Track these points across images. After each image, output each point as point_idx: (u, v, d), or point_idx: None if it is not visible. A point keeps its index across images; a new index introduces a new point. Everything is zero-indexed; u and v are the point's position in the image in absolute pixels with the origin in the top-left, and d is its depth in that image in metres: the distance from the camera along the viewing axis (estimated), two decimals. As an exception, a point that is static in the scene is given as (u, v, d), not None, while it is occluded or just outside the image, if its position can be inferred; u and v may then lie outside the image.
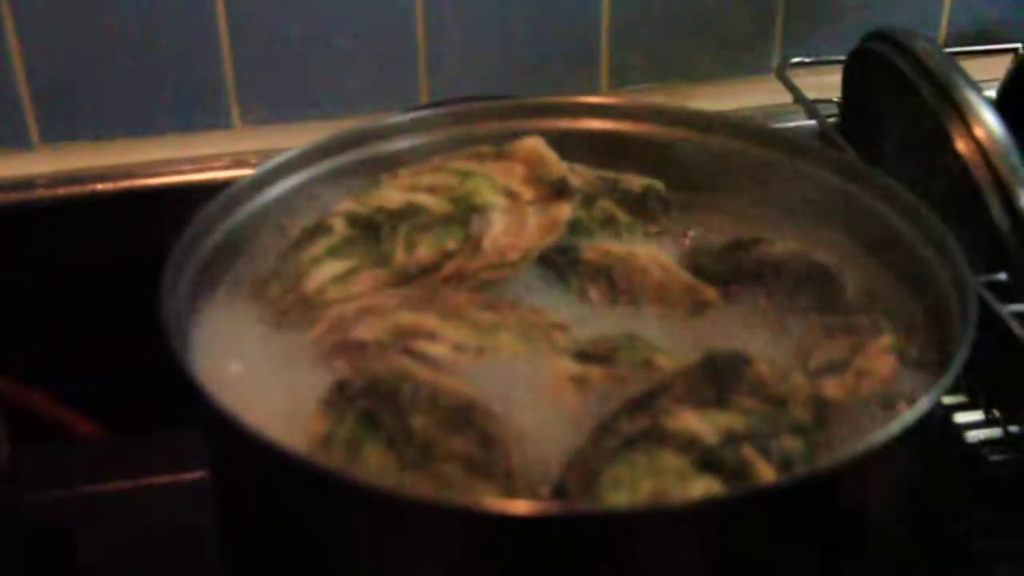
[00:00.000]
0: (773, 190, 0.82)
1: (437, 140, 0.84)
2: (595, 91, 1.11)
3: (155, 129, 1.06)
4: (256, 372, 0.69)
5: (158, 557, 0.81)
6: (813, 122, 0.99)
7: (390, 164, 0.81)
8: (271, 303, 0.74)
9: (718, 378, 0.64)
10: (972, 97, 0.83)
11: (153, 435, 0.91)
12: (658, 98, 0.89)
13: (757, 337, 0.72)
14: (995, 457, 0.87)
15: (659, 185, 0.82)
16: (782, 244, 0.75)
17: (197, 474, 0.84)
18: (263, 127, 1.07)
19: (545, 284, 0.76)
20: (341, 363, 0.69)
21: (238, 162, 1.04)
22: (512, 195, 0.77)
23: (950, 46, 1.00)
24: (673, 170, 0.83)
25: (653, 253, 0.76)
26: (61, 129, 1.04)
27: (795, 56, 1.04)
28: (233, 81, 1.06)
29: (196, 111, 1.06)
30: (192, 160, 1.04)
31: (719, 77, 1.12)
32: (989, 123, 0.81)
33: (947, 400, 0.84)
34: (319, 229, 0.76)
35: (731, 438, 0.61)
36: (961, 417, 0.90)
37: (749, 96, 1.10)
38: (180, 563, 0.80)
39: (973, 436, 0.89)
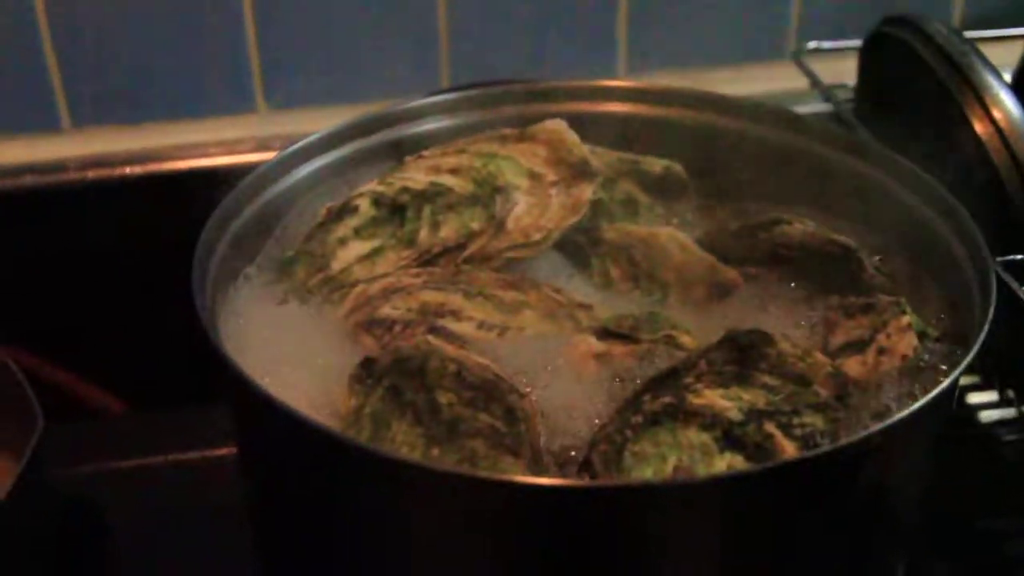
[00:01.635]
0: (791, 172, 0.81)
1: (460, 123, 0.84)
2: (614, 75, 1.10)
3: (183, 113, 1.05)
4: (284, 349, 0.69)
5: (187, 533, 0.81)
6: (829, 106, 0.98)
7: (414, 146, 0.81)
8: (299, 282, 0.73)
9: (740, 356, 0.64)
10: (990, 79, 0.82)
11: (182, 412, 0.91)
12: (676, 82, 0.88)
13: (777, 316, 0.72)
14: (1009, 437, 0.87)
15: (678, 167, 0.82)
16: (800, 225, 0.75)
17: (225, 450, 0.84)
18: (288, 111, 1.07)
19: (567, 264, 0.76)
20: (368, 340, 0.69)
21: (263, 146, 1.03)
22: (535, 176, 0.77)
23: (966, 30, 0.98)
24: (692, 152, 0.83)
25: (673, 234, 0.75)
26: (91, 113, 1.04)
27: (811, 41, 1.04)
28: (258, 66, 1.05)
29: (222, 96, 1.05)
30: (219, 144, 1.04)
31: (736, 62, 1.12)
32: (1007, 105, 0.81)
33: (962, 380, 0.83)
34: (345, 210, 0.75)
35: (754, 415, 0.61)
36: (975, 397, 0.90)
37: (766, 81, 1.10)
38: (210, 538, 0.80)
39: (987, 416, 0.89)
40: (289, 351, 0.68)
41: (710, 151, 0.83)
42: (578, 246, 0.76)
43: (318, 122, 0.83)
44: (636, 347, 0.67)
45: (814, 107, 1.00)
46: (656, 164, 0.82)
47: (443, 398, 0.63)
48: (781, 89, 1.07)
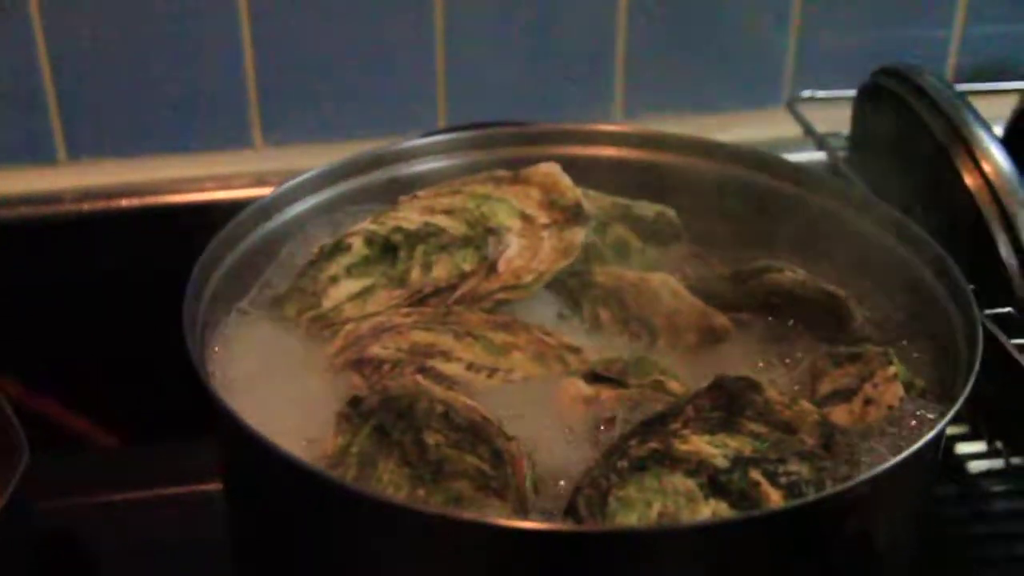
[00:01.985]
0: (782, 220, 0.81)
1: (455, 164, 0.84)
2: (610, 119, 1.11)
3: (179, 147, 1.06)
4: (273, 385, 0.69)
5: (173, 568, 0.81)
6: (823, 154, 0.99)
7: (408, 186, 0.82)
8: (290, 319, 0.74)
9: (728, 403, 0.64)
10: (980, 133, 0.83)
11: (170, 446, 0.91)
12: (671, 127, 0.89)
13: (766, 363, 0.72)
14: (996, 488, 0.87)
15: (671, 212, 0.83)
16: (791, 272, 0.75)
17: (212, 486, 0.84)
18: (285, 147, 1.08)
19: (558, 306, 0.76)
20: (357, 379, 0.69)
21: (260, 181, 1.04)
22: (527, 219, 0.77)
23: (959, 83, 0.99)
24: (685, 198, 0.83)
25: (664, 279, 0.76)
26: (87, 145, 1.05)
27: (806, 90, 1.05)
28: (256, 102, 1.06)
29: (220, 131, 1.06)
30: (215, 178, 1.05)
31: (731, 108, 1.13)
32: (997, 159, 0.81)
33: (950, 431, 0.83)
34: (338, 248, 0.76)
35: (740, 462, 0.61)
36: (964, 448, 0.90)
37: (760, 127, 1.10)
38: (195, 574, 0.79)
39: (976, 467, 0.89)
40: (278, 388, 0.68)
41: (703, 197, 0.83)
42: (569, 289, 0.76)
43: (314, 159, 0.84)
44: (624, 392, 0.67)
45: (808, 155, 1.00)
46: (649, 209, 0.82)
47: (430, 439, 0.63)
48: (775, 136, 1.08)
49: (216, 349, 0.71)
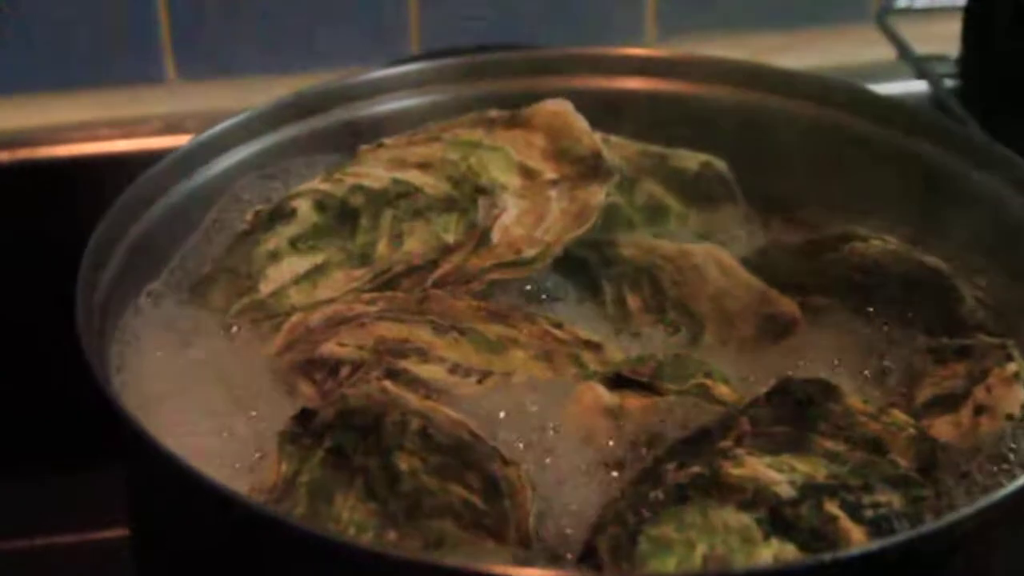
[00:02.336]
0: (870, 173, 0.83)
1: (433, 102, 0.85)
2: (638, 40, 1.12)
3: (66, 83, 1.07)
4: (197, 396, 0.70)
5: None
6: (923, 84, 1.00)
7: (371, 132, 0.83)
8: (217, 308, 0.75)
9: (796, 413, 0.65)
10: None
11: (60, 480, 0.92)
12: (719, 51, 0.90)
13: (847, 362, 0.73)
14: None
15: (720, 163, 0.83)
16: (880, 242, 0.77)
17: (115, 532, 0.85)
18: (205, 83, 1.09)
19: (571, 289, 0.77)
20: (306, 387, 0.71)
21: (172, 127, 1.05)
22: (529, 174, 0.78)
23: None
24: (739, 145, 0.85)
25: (712, 251, 0.77)
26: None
27: (901, -2, 1.06)
28: (167, 23, 1.07)
29: (119, 60, 1.07)
30: (113, 123, 1.06)
31: (801, 24, 1.13)
32: None
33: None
34: (279, 214, 0.77)
35: (811, 491, 0.62)
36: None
37: (840, 49, 1.11)
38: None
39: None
40: (203, 399, 0.70)
41: (763, 143, 0.85)
42: (586, 266, 0.78)
43: (245, 98, 0.85)
44: (658, 400, 0.68)
45: (903, 85, 1.01)
46: (691, 159, 0.83)
47: (403, 464, 0.64)
48: (858, 61, 1.09)
49: (120, 347, 0.72)
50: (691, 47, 1.03)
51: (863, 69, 1.06)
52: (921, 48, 1.02)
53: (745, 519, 0.61)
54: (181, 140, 0.81)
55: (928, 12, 1.05)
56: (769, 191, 0.84)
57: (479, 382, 0.70)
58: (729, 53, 0.90)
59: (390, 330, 0.72)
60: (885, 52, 1.03)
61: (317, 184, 0.78)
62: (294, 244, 0.76)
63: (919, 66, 1.01)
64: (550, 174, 0.78)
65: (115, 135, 1.05)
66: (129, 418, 0.62)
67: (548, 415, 0.69)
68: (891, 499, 0.62)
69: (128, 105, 1.07)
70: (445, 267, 0.76)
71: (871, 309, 0.76)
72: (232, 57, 1.09)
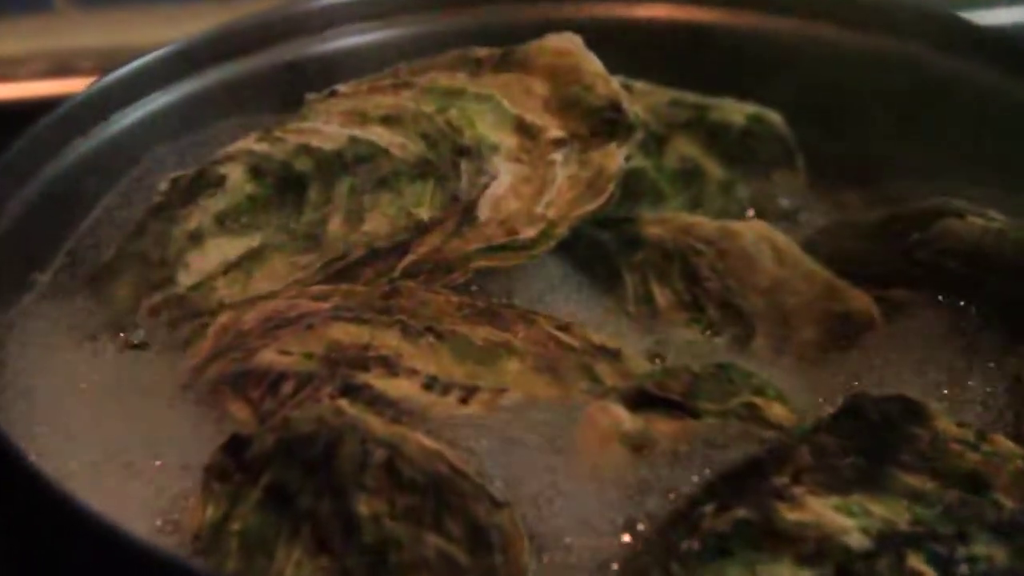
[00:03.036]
0: (967, 128, 0.84)
1: (401, 36, 0.87)
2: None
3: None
4: (97, 420, 0.71)
5: None
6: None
7: (321, 76, 0.84)
8: (122, 306, 0.76)
9: (870, 440, 0.66)
10: None
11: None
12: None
13: (935, 373, 0.74)
14: None
15: (775, 116, 0.85)
16: (980, 220, 0.77)
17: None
18: (104, 10, 1.11)
19: (582, 279, 0.78)
20: (238, 407, 0.71)
21: (62, 66, 1.07)
22: (527, 131, 0.79)
23: None
24: (797, 92, 0.86)
25: (765, 231, 0.77)
26: None
27: None
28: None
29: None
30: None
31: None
32: None
33: None
34: (202, 183, 0.78)
35: (891, 541, 0.62)
36: None
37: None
38: None
39: None
40: (106, 423, 0.70)
41: (827, 90, 0.86)
42: (601, 250, 0.79)
43: (157, 31, 0.86)
44: (693, 424, 0.69)
45: (1005, 12, 1.01)
46: (736, 111, 0.84)
47: (364, 507, 0.64)
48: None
49: (2, 357, 0.73)
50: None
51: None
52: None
53: (805, 576, 0.62)
54: (74, 85, 0.82)
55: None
56: (836, 152, 0.86)
57: (462, 401, 0.71)
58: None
59: (347, 333, 0.72)
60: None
61: (252, 144, 0.79)
62: (222, 222, 0.77)
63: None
64: (554, 131, 0.79)
65: (-11, 77, 1.07)
66: (14, 451, 0.62)
67: (551, 443, 0.69)
68: (993, 552, 0.63)
69: (10, 38, 1.08)
70: (418, 252, 0.76)
71: (968, 306, 0.77)
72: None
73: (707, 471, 0.68)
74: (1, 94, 1.06)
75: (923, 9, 0.86)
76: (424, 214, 0.77)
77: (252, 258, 0.77)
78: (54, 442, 0.69)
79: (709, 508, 0.65)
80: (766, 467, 0.66)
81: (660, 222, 0.79)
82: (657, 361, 0.75)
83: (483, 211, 0.77)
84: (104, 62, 0.83)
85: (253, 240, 0.77)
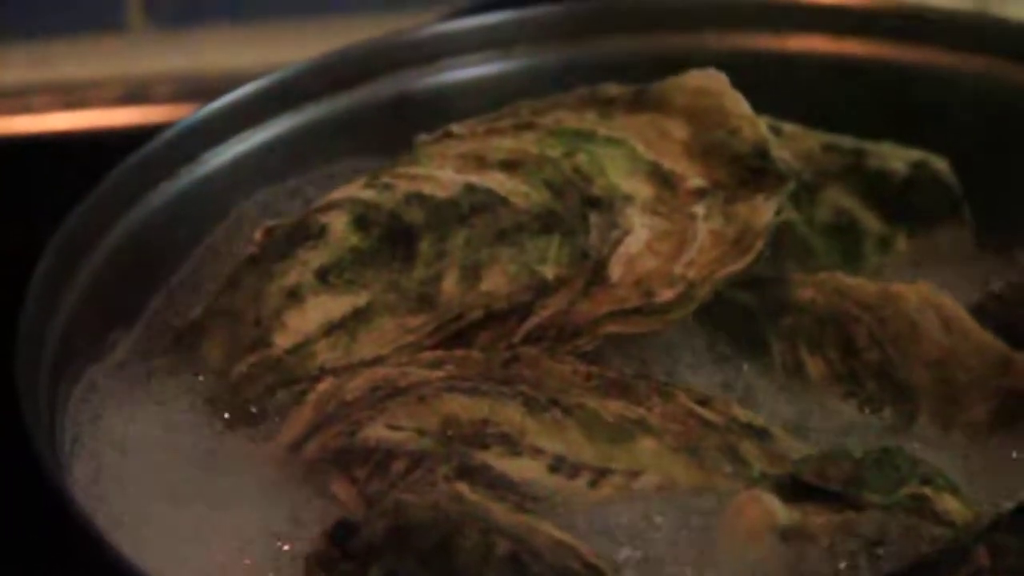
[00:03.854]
0: None
1: (521, 70, 0.87)
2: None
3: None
4: (180, 499, 0.70)
5: None
6: None
7: (432, 113, 0.83)
8: (212, 369, 0.76)
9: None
10: None
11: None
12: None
13: None
14: None
15: (941, 164, 0.83)
16: None
17: None
18: (183, 30, 1.10)
19: (724, 347, 0.78)
20: (343, 489, 0.71)
21: (138, 93, 1.06)
22: (665, 179, 0.78)
23: None
24: (966, 135, 0.85)
25: (931, 295, 0.76)
26: None
27: None
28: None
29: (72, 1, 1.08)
30: (56, 88, 1.07)
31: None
32: None
33: None
34: (301, 234, 0.77)
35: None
36: None
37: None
38: None
39: None
40: (195, 503, 0.70)
41: (1002, 134, 0.85)
42: (746, 313, 0.78)
43: (241, 55, 0.85)
44: (856, 517, 0.67)
45: None
46: (898, 158, 0.83)
47: (486, 603, 0.64)
48: None
49: (78, 426, 0.72)
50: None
51: None
52: None
53: None
54: (150, 114, 0.82)
55: None
56: (1009, 203, 0.85)
57: (592, 484, 0.70)
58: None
59: (463, 406, 0.72)
60: None
61: (357, 191, 0.79)
62: (323, 277, 0.77)
63: None
64: (695, 180, 0.79)
65: (57, 105, 1.06)
66: (95, 535, 0.62)
67: (695, 536, 0.68)
68: None
69: (75, 62, 1.08)
70: (542, 314, 0.76)
71: None
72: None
73: (871, 572, 0.66)
74: (69, 123, 1.06)
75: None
76: (549, 272, 0.77)
77: (357, 318, 0.76)
78: (131, 525, 0.68)
79: (879, 616, 0.64)
80: (940, 569, 0.65)
81: (812, 283, 0.78)
82: (811, 441, 0.74)
83: (615, 270, 0.77)
84: (183, 88, 0.83)
85: (358, 298, 0.77)
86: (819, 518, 0.68)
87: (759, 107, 0.80)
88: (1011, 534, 0.65)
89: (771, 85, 0.84)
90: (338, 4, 1.08)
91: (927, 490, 0.69)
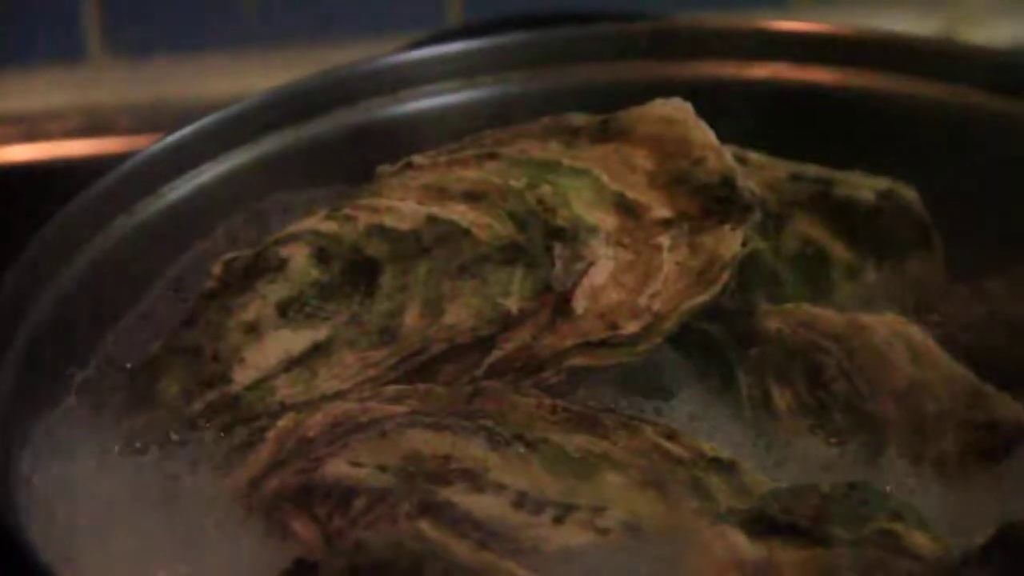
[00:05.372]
0: None
1: (485, 99, 0.86)
2: (782, 8, 1.12)
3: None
4: (139, 538, 0.70)
5: None
6: None
7: (394, 144, 0.83)
8: (169, 405, 0.75)
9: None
10: None
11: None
12: (899, 23, 0.89)
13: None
14: None
15: (910, 192, 0.84)
16: None
17: None
18: (144, 59, 1.10)
19: (690, 380, 0.77)
20: (303, 527, 0.70)
21: (98, 124, 1.06)
22: (630, 210, 0.78)
23: None
24: (935, 164, 0.85)
25: (898, 326, 0.76)
26: None
27: None
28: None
29: (21, 28, 1.08)
30: (15, 118, 1.07)
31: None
32: None
33: None
34: (260, 267, 0.77)
35: None
36: None
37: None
38: None
39: None
40: (151, 542, 0.69)
41: (971, 164, 0.85)
42: (712, 345, 0.78)
43: (203, 84, 0.84)
44: (822, 553, 0.66)
45: None
46: (866, 186, 0.83)
47: (449, 647, 0.63)
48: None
49: (33, 465, 0.72)
50: (859, 22, 1.02)
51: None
52: None
53: None
54: (111, 145, 0.82)
55: None
56: (979, 233, 0.84)
57: (556, 521, 0.69)
58: (914, 28, 0.89)
59: (425, 442, 0.71)
60: None
61: (317, 223, 0.78)
62: (283, 312, 0.76)
63: None
64: (660, 211, 0.78)
65: (17, 137, 1.06)
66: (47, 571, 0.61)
67: (661, 572, 0.68)
68: None
69: (34, 92, 1.08)
70: (505, 347, 0.76)
71: None
72: (185, 25, 1.09)
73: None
74: (29, 154, 1.06)
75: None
76: (513, 305, 0.77)
77: (317, 353, 0.76)
78: (87, 566, 0.68)
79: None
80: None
81: (779, 314, 0.78)
82: (778, 476, 0.74)
83: (580, 302, 0.76)
84: (144, 119, 0.83)
85: (319, 333, 0.76)
86: (786, 554, 0.67)
87: (724, 136, 0.80)
88: (982, 569, 0.65)
89: (736, 114, 0.84)
90: (300, 34, 1.07)
91: (896, 525, 0.68)
